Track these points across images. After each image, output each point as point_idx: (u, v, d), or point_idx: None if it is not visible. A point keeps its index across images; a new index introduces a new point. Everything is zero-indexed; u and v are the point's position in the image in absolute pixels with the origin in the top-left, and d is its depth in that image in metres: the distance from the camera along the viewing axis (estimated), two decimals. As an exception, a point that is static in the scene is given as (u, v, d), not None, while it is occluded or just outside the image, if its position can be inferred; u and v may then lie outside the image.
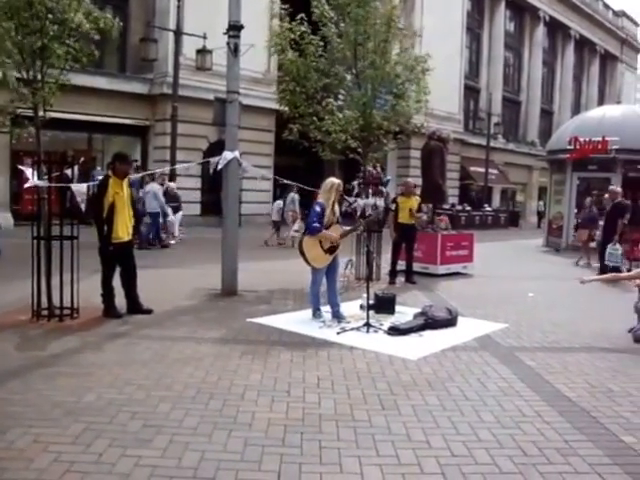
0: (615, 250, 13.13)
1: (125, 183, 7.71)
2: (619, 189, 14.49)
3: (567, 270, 14.14)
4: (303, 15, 10.98)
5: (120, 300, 7.75)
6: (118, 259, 7.70)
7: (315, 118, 10.89)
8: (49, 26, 7.05)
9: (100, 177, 8.52)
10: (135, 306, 7.82)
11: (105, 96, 21.02)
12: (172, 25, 20.70)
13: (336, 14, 11.06)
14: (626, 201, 13.94)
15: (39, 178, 7.32)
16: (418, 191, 12.24)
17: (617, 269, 12.80)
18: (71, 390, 4.89)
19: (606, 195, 14.72)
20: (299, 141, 11.19)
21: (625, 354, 6.78)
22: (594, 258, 14.70)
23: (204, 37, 19.67)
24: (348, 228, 8.18)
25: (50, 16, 7.04)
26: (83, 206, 7.42)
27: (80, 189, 7.42)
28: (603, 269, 12.98)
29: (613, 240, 13.26)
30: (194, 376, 5.38)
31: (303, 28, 10.85)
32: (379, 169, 11.61)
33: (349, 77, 11.35)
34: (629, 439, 4.29)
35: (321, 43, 11.01)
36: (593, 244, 15.70)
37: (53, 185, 7.35)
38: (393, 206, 11.46)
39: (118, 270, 7.78)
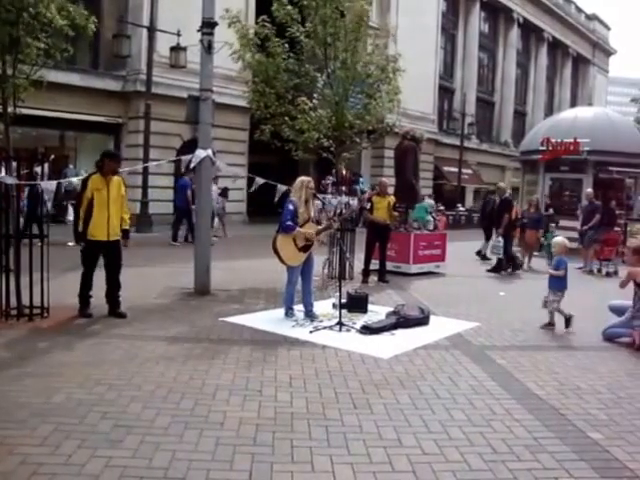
0: (498, 242, 13.67)
1: (115, 182, 7.43)
2: (502, 185, 15.53)
3: (538, 269, 14.26)
4: (265, 17, 10.77)
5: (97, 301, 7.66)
6: (96, 258, 7.50)
7: (287, 118, 10.82)
8: (21, 19, 6.93)
9: (71, 175, 8.41)
10: (111, 307, 7.61)
11: (77, 93, 20.68)
12: (145, 21, 20.45)
13: (303, 14, 10.90)
14: (510, 198, 14.88)
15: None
16: (391, 190, 12.27)
17: (501, 261, 13.57)
18: (39, 391, 4.82)
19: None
20: (271, 141, 11.10)
21: (593, 352, 6.90)
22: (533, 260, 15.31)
23: (178, 34, 19.42)
24: (321, 227, 8.18)
25: (24, 13, 6.92)
26: (50, 204, 7.31)
27: (49, 187, 7.31)
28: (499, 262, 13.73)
29: (498, 233, 13.80)
30: (165, 375, 5.34)
31: (266, 31, 10.62)
32: (344, 172, 11.62)
33: (320, 76, 11.27)
34: (596, 435, 4.36)
35: (287, 44, 10.83)
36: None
37: (22, 183, 7.25)
38: (368, 205, 11.52)
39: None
